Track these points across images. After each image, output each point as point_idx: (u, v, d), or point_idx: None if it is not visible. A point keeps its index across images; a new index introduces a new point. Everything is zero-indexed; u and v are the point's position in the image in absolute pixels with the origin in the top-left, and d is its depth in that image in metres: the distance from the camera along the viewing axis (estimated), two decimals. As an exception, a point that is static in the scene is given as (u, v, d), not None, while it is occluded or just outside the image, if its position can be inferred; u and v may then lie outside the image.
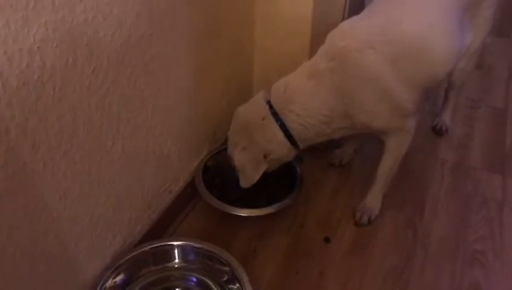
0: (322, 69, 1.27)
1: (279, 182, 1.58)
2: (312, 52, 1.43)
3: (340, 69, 1.25)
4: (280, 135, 1.32)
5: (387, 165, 1.47)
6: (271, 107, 1.33)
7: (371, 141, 1.80)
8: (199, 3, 1.29)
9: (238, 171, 1.38)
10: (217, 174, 1.58)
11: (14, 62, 0.79)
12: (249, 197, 1.48)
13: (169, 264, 1.29)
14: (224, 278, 1.25)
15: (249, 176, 1.36)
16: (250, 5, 1.60)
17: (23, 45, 0.79)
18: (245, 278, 1.18)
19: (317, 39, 1.42)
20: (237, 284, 1.20)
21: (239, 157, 1.35)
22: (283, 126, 1.32)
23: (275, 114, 1.32)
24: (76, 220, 1.07)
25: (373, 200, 1.55)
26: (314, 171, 1.73)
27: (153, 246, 1.26)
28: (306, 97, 1.30)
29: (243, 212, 1.44)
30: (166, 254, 1.28)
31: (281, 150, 1.35)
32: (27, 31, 0.79)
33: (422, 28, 1.31)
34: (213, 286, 1.26)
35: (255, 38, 1.70)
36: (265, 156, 1.34)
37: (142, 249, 1.25)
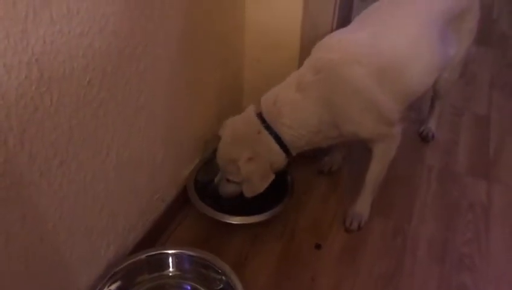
0: (309, 81, 1.31)
1: (271, 189, 1.60)
2: (301, 63, 1.46)
3: (327, 82, 1.29)
4: (276, 146, 1.37)
5: (375, 171, 1.50)
6: (263, 120, 1.37)
7: (359, 148, 1.84)
8: (192, 15, 1.32)
9: (243, 181, 1.40)
10: (209, 183, 1.59)
11: (13, 74, 0.80)
12: (241, 205, 1.50)
13: (164, 273, 1.30)
14: (219, 287, 1.26)
15: (256, 186, 1.39)
16: (241, 16, 1.63)
17: (21, 57, 0.81)
18: (239, 286, 1.19)
19: (306, 50, 1.45)
20: (231, 292, 1.21)
21: (246, 168, 1.35)
22: (277, 138, 1.36)
23: (268, 127, 1.36)
24: (71, 230, 1.07)
25: (362, 206, 1.57)
26: (304, 179, 1.75)
27: (148, 254, 1.28)
28: (295, 110, 1.34)
29: (235, 220, 1.46)
30: (161, 262, 1.29)
31: (279, 159, 1.39)
32: (26, 44, 0.81)
33: (408, 41, 1.36)
34: (207, 294, 1.27)
35: (245, 48, 1.72)
36: (270, 166, 1.38)
37: (137, 257, 1.26)
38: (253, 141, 1.37)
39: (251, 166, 1.36)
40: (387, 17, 1.41)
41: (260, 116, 1.38)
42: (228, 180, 1.45)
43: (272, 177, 1.40)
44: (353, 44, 1.31)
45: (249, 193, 1.41)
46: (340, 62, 1.28)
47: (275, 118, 1.35)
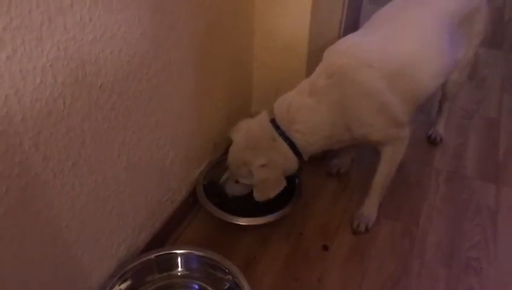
0: (322, 86, 1.33)
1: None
2: (309, 66, 1.48)
3: (339, 86, 1.31)
4: (291, 153, 1.39)
5: (383, 173, 1.51)
6: (277, 127, 1.39)
7: (368, 151, 1.85)
8: (201, 20, 1.35)
9: (253, 186, 1.42)
10: (217, 184, 1.61)
11: (28, 79, 0.83)
12: (250, 206, 1.52)
13: (173, 272, 1.33)
14: (226, 286, 1.28)
15: (268, 192, 1.41)
16: (250, 20, 1.65)
17: (36, 63, 0.84)
18: (246, 287, 1.21)
19: (313, 54, 1.47)
20: (238, 292, 1.23)
21: (260, 174, 1.38)
22: (291, 144, 1.38)
23: (282, 134, 1.38)
24: (83, 229, 1.10)
25: (370, 208, 1.59)
26: (312, 181, 1.77)
27: (158, 254, 1.30)
28: (308, 115, 1.36)
29: (243, 221, 1.48)
30: (170, 262, 1.32)
31: (292, 165, 1.42)
32: (41, 50, 0.84)
33: (417, 46, 1.38)
34: (215, 294, 1.30)
35: (254, 52, 1.75)
36: (283, 173, 1.41)
37: (147, 257, 1.29)
38: (268, 148, 1.38)
39: (264, 172, 1.38)
40: (397, 20, 1.42)
41: (274, 122, 1.39)
42: (237, 182, 1.48)
43: (284, 184, 1.42)
44: (364, 48, 1.33)
45: (259, 197, 1.43)
46: (352, 66, 1.30)
47: (289, 125, 1.37)
